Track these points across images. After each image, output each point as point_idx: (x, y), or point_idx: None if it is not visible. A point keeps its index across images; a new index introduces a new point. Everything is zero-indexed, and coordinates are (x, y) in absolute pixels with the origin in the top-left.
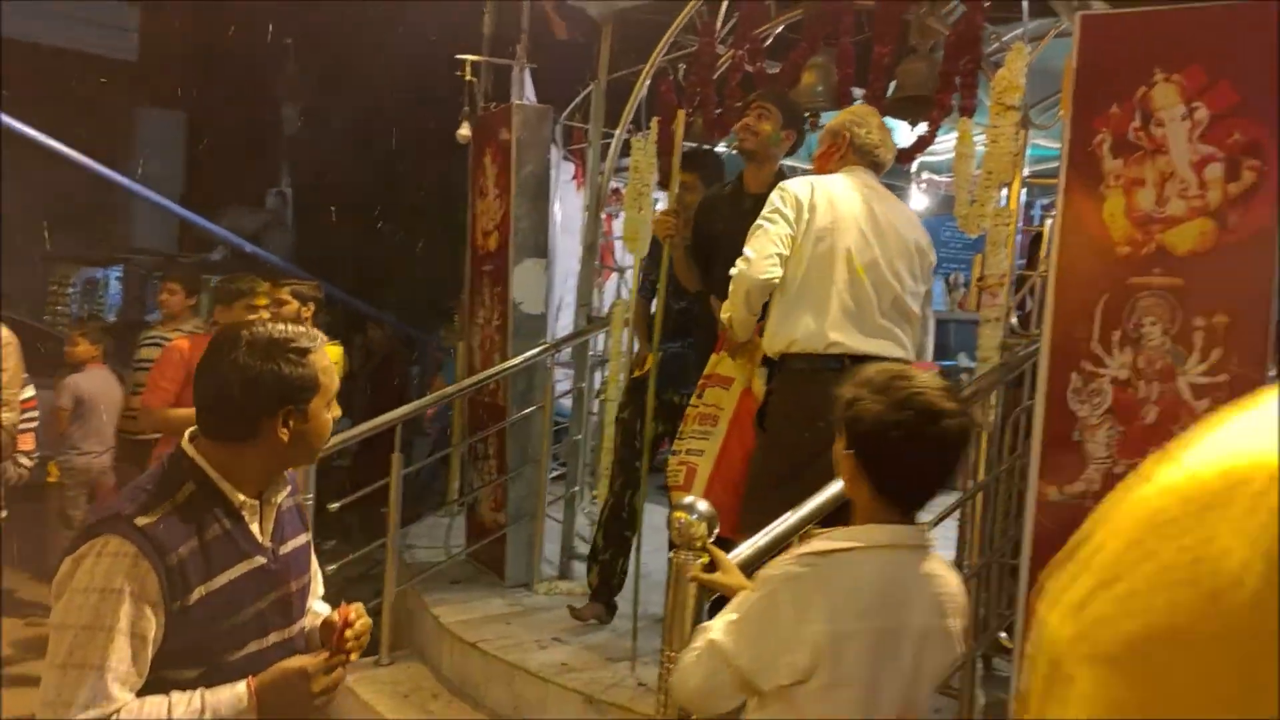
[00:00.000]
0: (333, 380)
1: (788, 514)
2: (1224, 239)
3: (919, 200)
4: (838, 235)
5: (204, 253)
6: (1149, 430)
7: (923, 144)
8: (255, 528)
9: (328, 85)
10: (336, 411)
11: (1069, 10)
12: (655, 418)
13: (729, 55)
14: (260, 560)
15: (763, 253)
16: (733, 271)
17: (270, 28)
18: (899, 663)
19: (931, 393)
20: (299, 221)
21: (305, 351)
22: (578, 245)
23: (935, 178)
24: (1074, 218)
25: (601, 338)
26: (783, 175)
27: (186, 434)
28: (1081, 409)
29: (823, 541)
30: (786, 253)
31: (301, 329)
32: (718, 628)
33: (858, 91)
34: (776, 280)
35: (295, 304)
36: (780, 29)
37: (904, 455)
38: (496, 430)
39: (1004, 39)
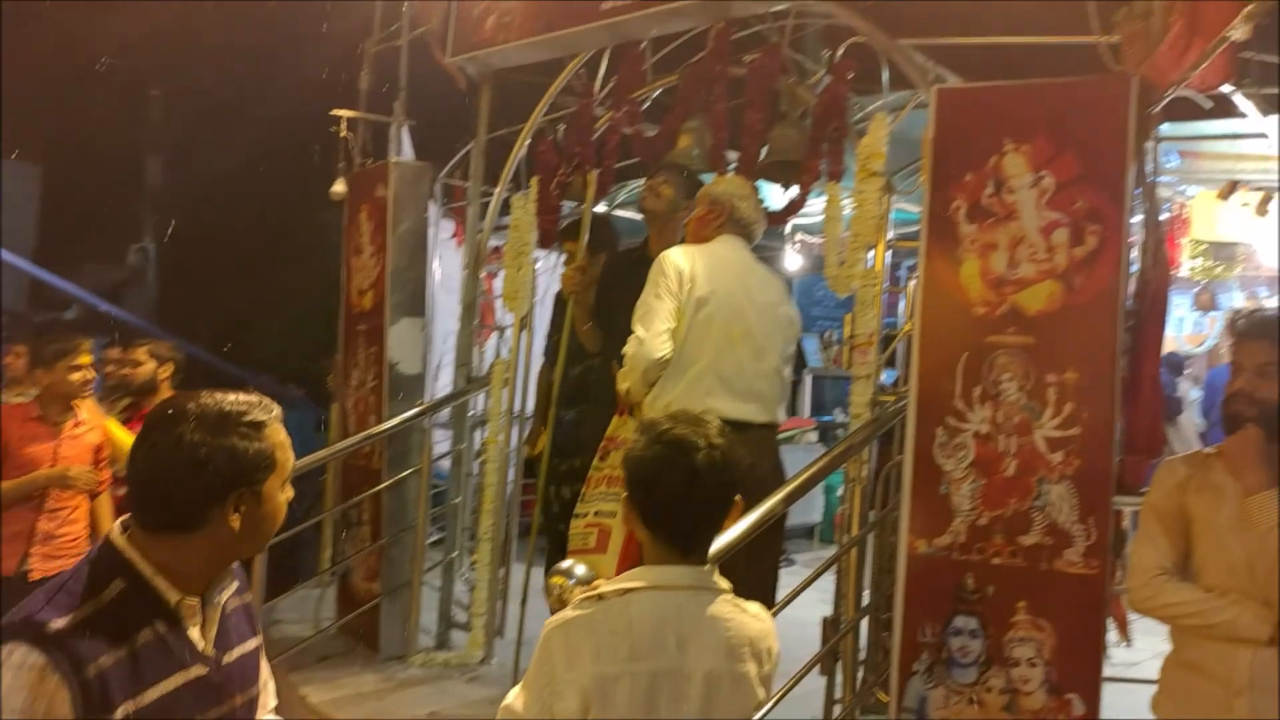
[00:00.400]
0: (289, 456)
1: None
2: (1071, 300)
3: (794, 260)
4: (716, 304)
5: (57, 311)
6: (1009, 482)
7: (794, 207)
8: (195, 633)
9: (197, 139)
10: (290, 492)
11: (926, 84)
12: (565, 483)
13: (607, 117)
14: (200, 670)
15: (654, 330)
16: (627, 350)
17: (136, 78)
18: (682, 705)
19: (685, 429)
20: (163, 279)
21: (260, 425)
22: (458, 304)
23: (809, 239)
24: (934, 280)
25: (481, 398)
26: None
27: (117, 524)
28: (947, 463)
29: (604, 584)
30: (675, 324)
31: (254, 398)
32: (514, 689)
33: (732, 154)
34: (669, 356)
35: (152, 364)
36: (657, 93)
37: (656, 489)
38: (371, 495)
39: (867, 109)
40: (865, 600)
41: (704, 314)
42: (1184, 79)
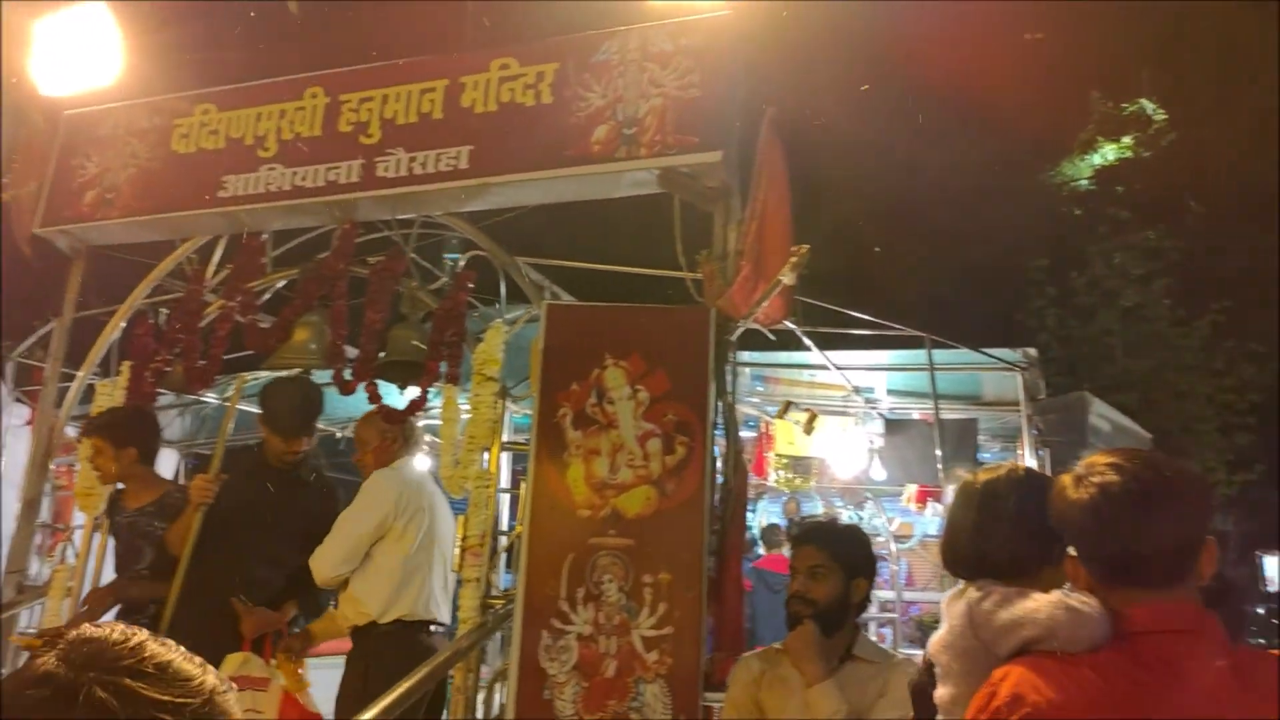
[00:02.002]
0: None
1: None
2: (664, 504)
3: (423, 461)
4: (427, 519)
5: None
6: (609, 684)
7: (414, 407)
8: None
9: None
10: None
11: (538, 298)
12: None
13: (219, 304)
14: None
15: (340, 552)
16: (314, 561)
17: None
18: None
19: None
20: None
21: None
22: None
23: (435, 439)
24: (542, 483)
25: (38, 610)
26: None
27: None
28: (551, 666)
29: None
30: (367, 545)
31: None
32: None
33: (351, 351)
34: (346, 575)
35: None
36: (279, 284)
37: None
38: None
39: (486, 317)
40: None
41: (423, 528)
42: (752, 313)
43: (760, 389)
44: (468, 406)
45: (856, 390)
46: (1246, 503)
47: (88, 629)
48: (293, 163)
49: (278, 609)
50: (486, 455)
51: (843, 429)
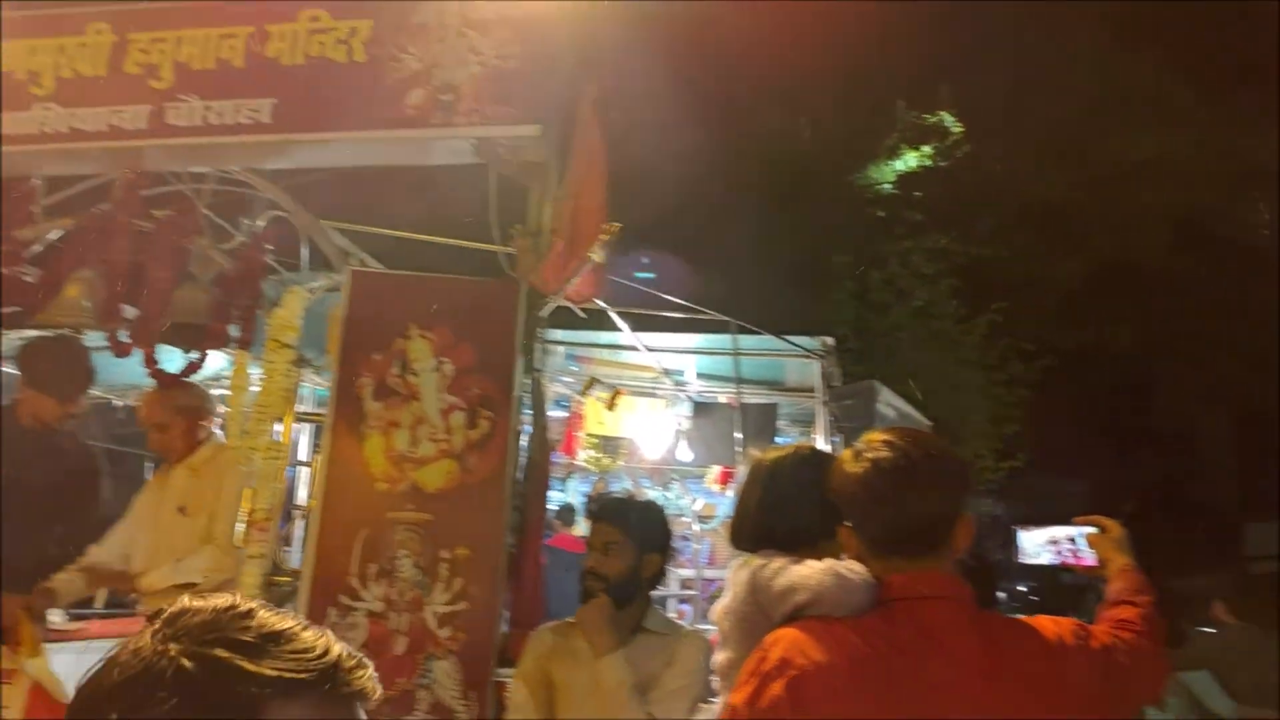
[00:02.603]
0: None
1: None
2: (465, 479)
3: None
4: None
5: None
6: (398, 661)
7: (190, 369)
8: None
9: None
10: None
11: (342, 264)
12: None
13: None
14: None
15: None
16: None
17: None
18: None
19: None
20: None
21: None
22: None
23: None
24: (338, 455)
25: None
26: None
27: None
28: None
29: None
30: None
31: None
32: None
33: (130, 311)
34: None
35: None
36: (50, 236)
37: None
38: None
39: (285, 280)
40: None
41: None
42: (562, 290)
43: (574, 368)
44: (260, 375)
45: (666, 373)
46: (1012, 489)
47: (191, 600)
48: (71, 103)
49: (28, 591)
50: (279, 426)
51: (652, 410)
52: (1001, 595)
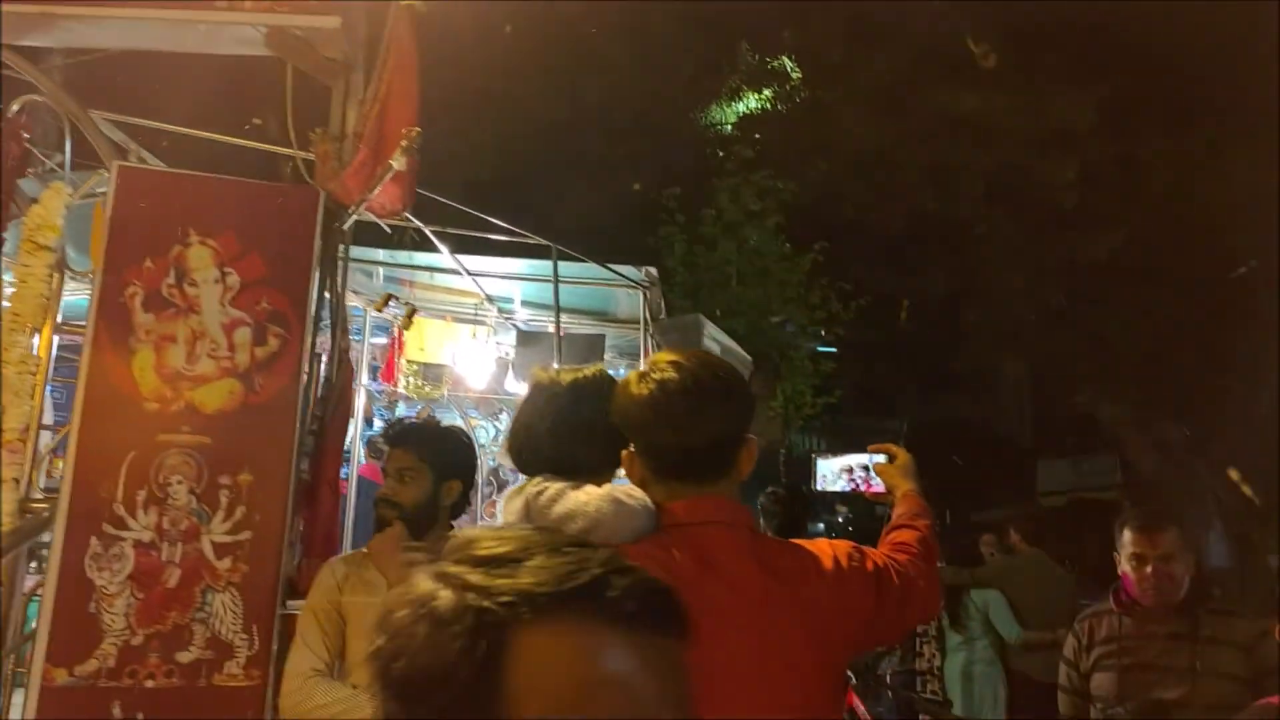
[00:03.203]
0: None
1: None
2: (250, 399)
3: None
4: None
5: None
6: (169, 594)
7: None
8: None
9: None
10: None
11: (109, 158)
12: None
13: None
14: None
15: None
16: None
17: None
18: None
19: None
20: None
21: None
22: None
23: None
24: (101, 371)
25: None
26: None
27: None
28: (100, 577)
29: None
30: None
31: None
32: None
33: None
34: None
35: None
36: None
37: None
38: None
39: (44, 175)
40: None
41: None
42: (364, 200)
43: (396, 291)
44: (13, 280)
45: (490, 300)
46: (829, 425)
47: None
48: None
49: None
50: (36, 337)
51: (474, 338)
52: (820, 526)
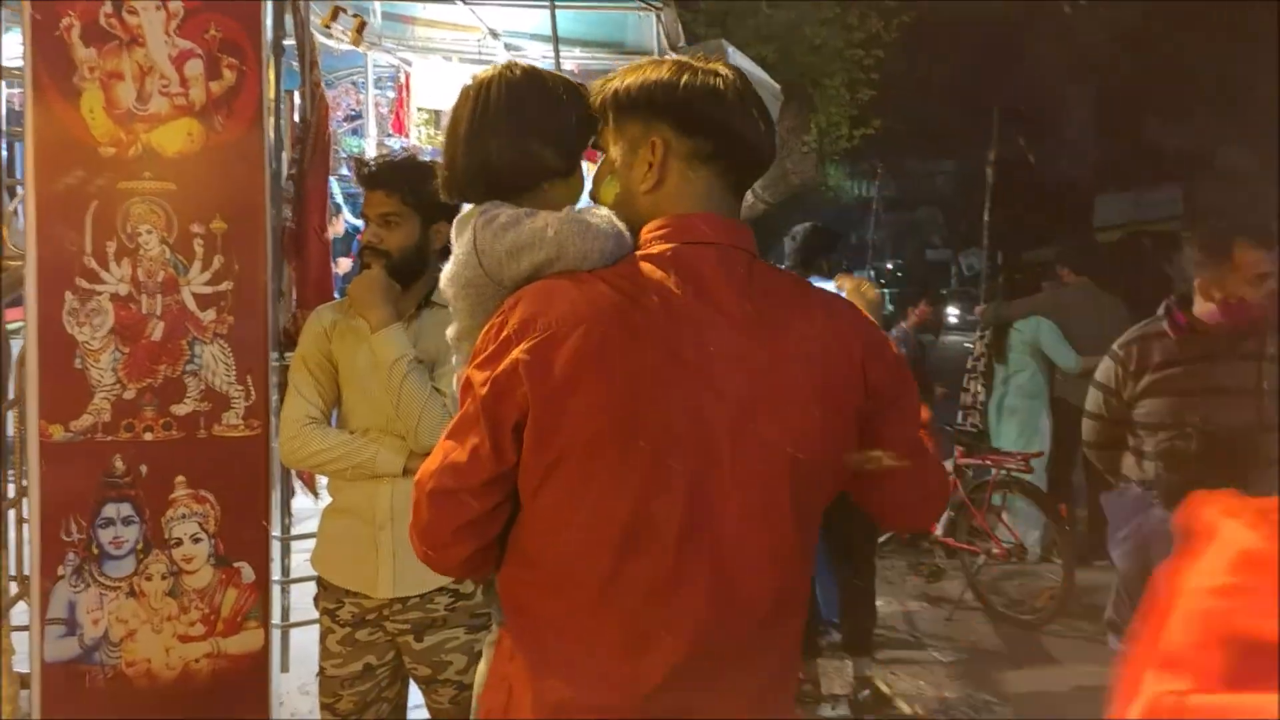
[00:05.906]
0: None
1: None
2: (212, 140)
3: None
4: None
5: None
6: (156, 347)
7: None
8: None
9: None
10: None
11: None
12: None
13: None
14: None
15: None
16: None
17: None
18: None
19: None
20: None
21: None
22: None
23: None
24: (48, 114)
25: None
26: None
27: None
28: (81, 332)
29: None
30: None
31: None
32: None
33: None
34: None
35: None
36: None
37: None
38: None
39: None
40: None
41: None
42: None
43: (399, 32)
44: None
45: (494, 34)
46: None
47: None
48: None
49: None
50: None
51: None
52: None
